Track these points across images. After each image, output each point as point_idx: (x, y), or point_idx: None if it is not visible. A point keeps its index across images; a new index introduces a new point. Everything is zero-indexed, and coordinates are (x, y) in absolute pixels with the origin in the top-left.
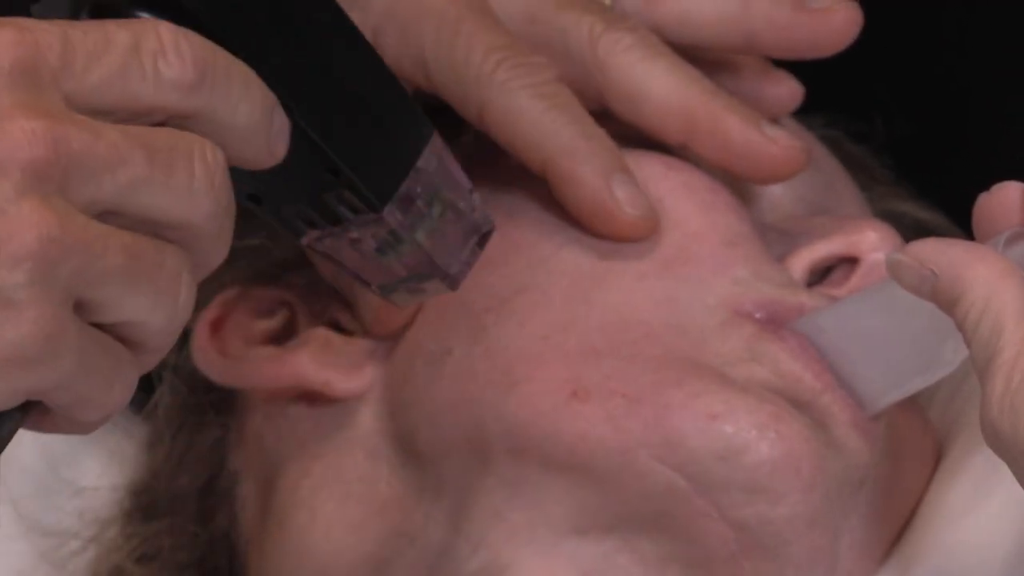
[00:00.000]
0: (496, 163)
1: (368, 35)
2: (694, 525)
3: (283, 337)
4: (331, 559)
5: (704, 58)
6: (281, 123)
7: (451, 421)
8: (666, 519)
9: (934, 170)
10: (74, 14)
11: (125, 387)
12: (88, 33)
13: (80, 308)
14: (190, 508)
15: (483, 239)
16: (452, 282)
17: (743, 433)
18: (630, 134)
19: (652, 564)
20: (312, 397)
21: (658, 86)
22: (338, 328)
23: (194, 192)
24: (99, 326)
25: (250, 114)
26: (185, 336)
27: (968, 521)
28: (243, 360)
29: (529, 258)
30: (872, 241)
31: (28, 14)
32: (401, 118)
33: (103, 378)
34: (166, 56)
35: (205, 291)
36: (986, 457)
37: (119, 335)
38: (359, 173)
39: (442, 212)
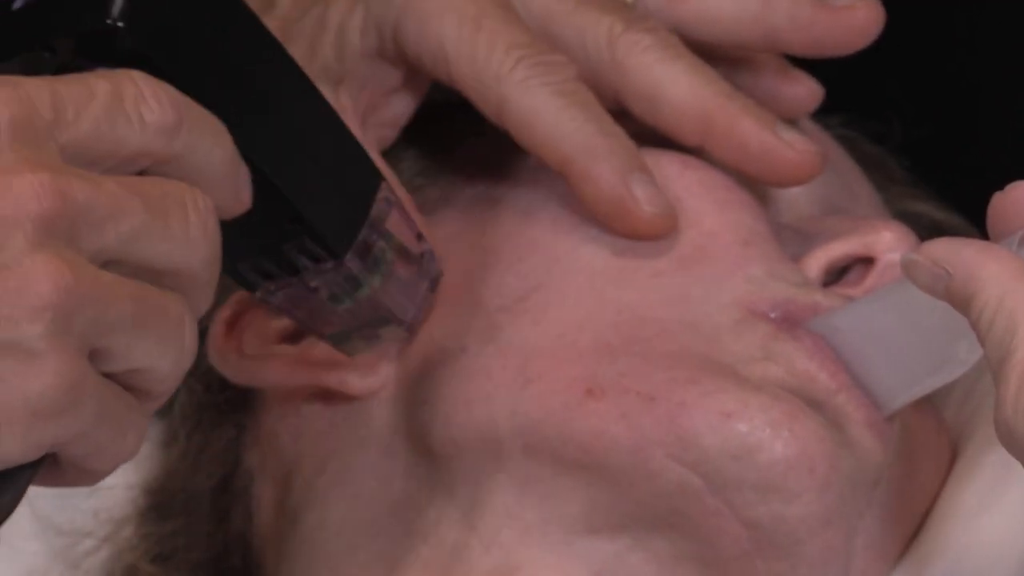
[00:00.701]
0: (514, 160)
1: (388, 30)
2: (707, 524)
3: (298, 336)
4: (344, 558)
5: (724, 56)
6: (244, 171)
7: (464, 419)
8: (679, 518)
9: (950, 170)
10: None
11: (137, 434)
12: (71, 84)
13: (92, 357)
14: (205, 507)
15: (434, 284)
16: (409, 328)
17: (757, 432)
18: (647, 133)
19: (665, 563)
20: (327, 395)
21: (675, 87)
22: None
23: (191, 239)
24: (107, 375)
25: (223, 159)
26: (201, 335)
27: (982, 520)
28: (258, 359)
29: (545, 256)
30: (888, 241)
31: None
32: (354, 166)
33: (118, 426)
34: (147, 101)
35: (221, 290)
36: (1000, 456)
37: (126, 383)
38: (321, 221)
39: (395, 258)
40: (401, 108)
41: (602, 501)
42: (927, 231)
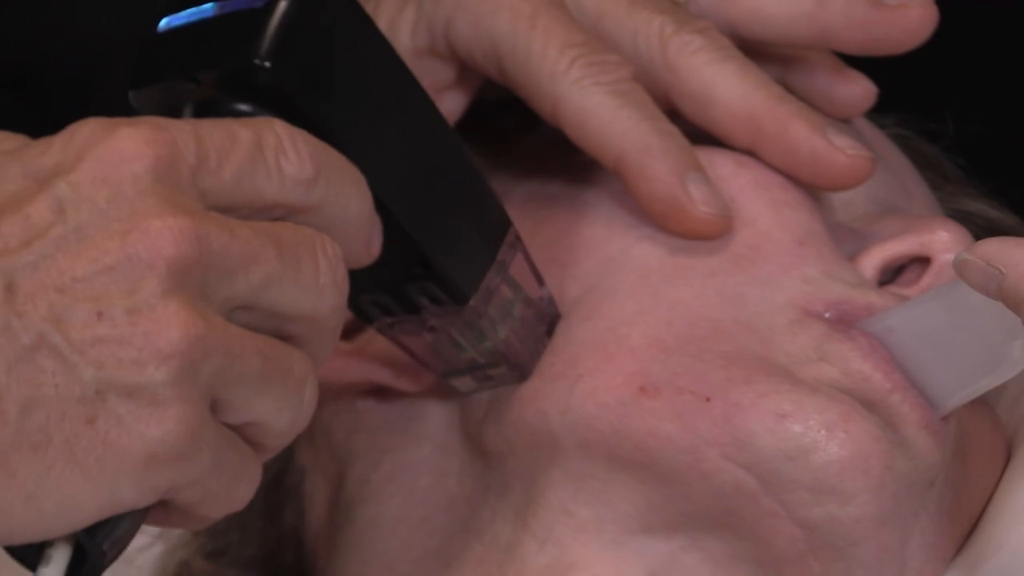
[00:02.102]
0: (567, 158)
1: (440, 27)
2: (762, 525)
3: (353, 331)
4: (398, 554)
5: (777, 55)
6: (378, 224)
7: (517, 415)
8: (734, 518)
9: (1004, 169)
10: (175, 108)
11: (251, 484)
12: (215, 131)
13: (212, 408)
14: (258, 503)
15: (551, 327)
16: (521, 372)
17: (812, 433)
18: (698, 133)
19: (721, 563)
20: (382, 392)
21: (726, 90)
22: None
23: (321, 286)
24: (226, 426)
25: (359, 212)
26: None
27: None
28: None
29: (599, 258)
30: (943, 241)
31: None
32: (484, 211)
33: (233, 475)
34: (286, 153)
35: None
36: None
37: (242, 435)
38: (449, 267)
39: (516, 301)
40: (453, 106)
41: (657, 500)
42: (981, 230)
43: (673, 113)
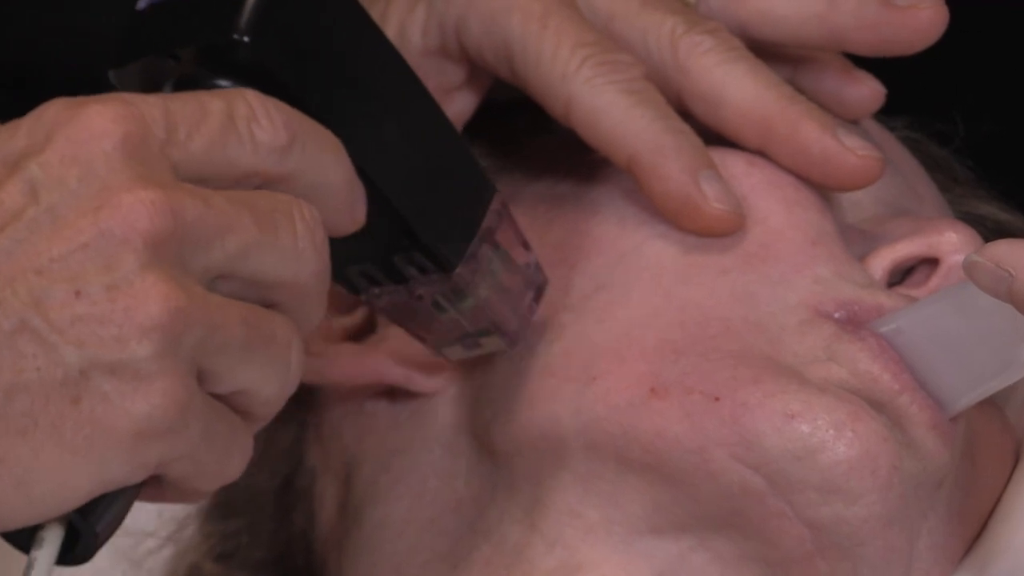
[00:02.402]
0: (578, 158)
1: (451, 27)
2: (770, 525)
3: (362, 333)
4: (407, 556)
5: (787, 56)
6: (360, 189)
7: (527, 416)
8: (742, 518)
9: (1014, 171)
10: (155, 85)
11: (243, 455)
12: (185, 104)
13: (198, 379)
14: (268, 506)
15: (539, 294)
16: (512, 339)
17: (820, 433)
18: (709, 134)
19: (729, 563)
20: (391, 393)
21: (736, 91)
22: None
23: (300, 251)
24: (213, 396)
25: (338, 177)
26: None
27: None
28: (322, 357)
29: (609, 255)
30: (952, 242)
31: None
32: (468, 178)
33: (224, 447)
34: (258, 121)
35: None
36: None
37: (230, 404)
38: (434, 236)
39: (503, 269)
40: (463, 106)
41: (665, 501)
42: (991, 232)
43: (683, 114)
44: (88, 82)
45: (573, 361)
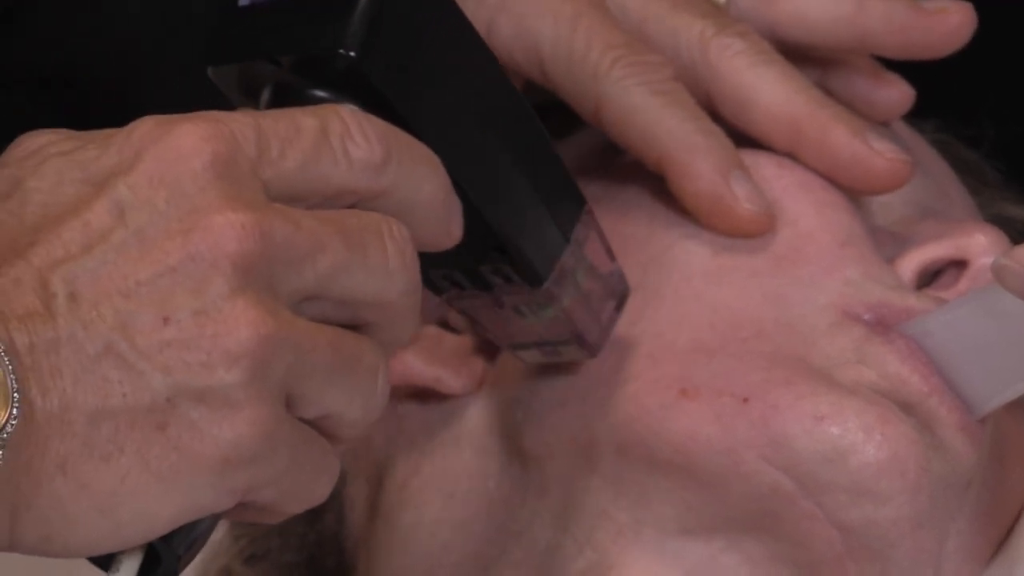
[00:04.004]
0: (608, 159)
1: (482, 28)
2: (800, 527)
3: None
4: (438, 558)
5: (815, 58)
6: (457, 206)
7: (558, 418)
8: (772, 520)
9: None
10: (253, 88)
11: (330, 477)
12: (278, 120)
13: (286, 403)
14: None
15: (621, 303)
16: (591, 350)
17: (850, 435)
18: (739, 135)
19: (759, 565)
20: (422, 395)
21: (766, 93)
22: (447, 326)
23: (390, 270)
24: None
25: (434, 195)
26: None
27: None
28: None
29: (640, 256)
30: (981, 245)
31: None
32: (561, 191)
33: (311, 471)
34: (353, 137)
35: None
36: None
37: (316, 427)
38: (525, 251)
39: (587, 279)
40: None
41: (695, 503)
42: (1020, 235)
43: (712, 116)
44: (120, 83)
45: (605, 363)
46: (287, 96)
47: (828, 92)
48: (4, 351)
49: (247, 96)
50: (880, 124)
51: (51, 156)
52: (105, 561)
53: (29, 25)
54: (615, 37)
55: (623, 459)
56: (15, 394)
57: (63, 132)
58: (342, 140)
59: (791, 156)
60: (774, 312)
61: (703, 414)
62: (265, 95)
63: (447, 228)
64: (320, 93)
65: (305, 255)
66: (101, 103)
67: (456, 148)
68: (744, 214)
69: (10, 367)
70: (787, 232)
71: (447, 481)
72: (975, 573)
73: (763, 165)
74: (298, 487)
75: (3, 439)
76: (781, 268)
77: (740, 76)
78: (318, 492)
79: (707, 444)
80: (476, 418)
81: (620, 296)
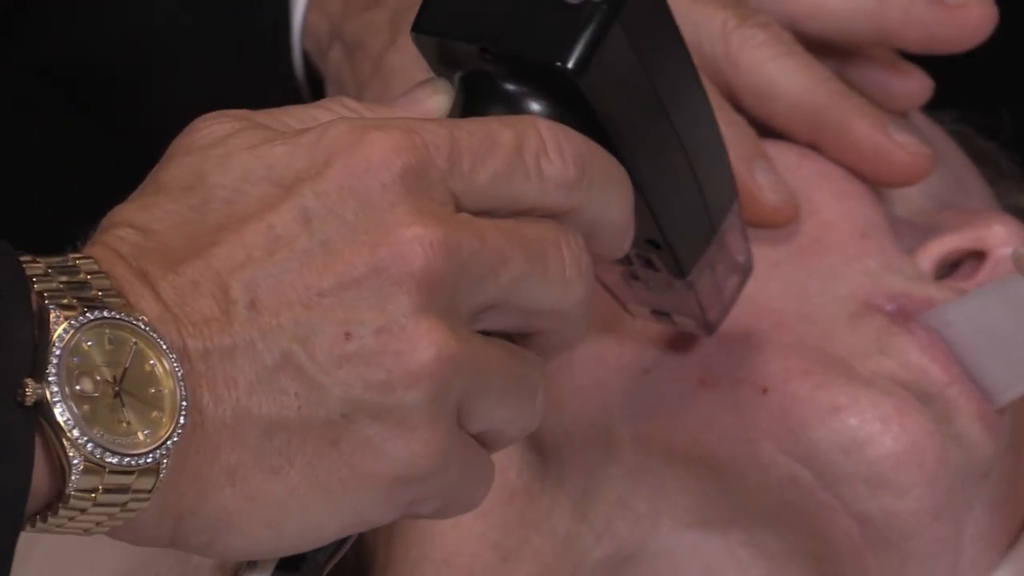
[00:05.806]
0: None
1: None
2: (818, 518)
3: None
4: (457, 546)
5: (834, 49)
6: (633, 221)
7: (578, 406)
8: (791, 511)
9: None
10: (449, 65)
11: (487, 487)
12: (473, 133)
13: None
14: None
15: (744, 279)
16: (709, 328)
17: (867, 426)
18: (761, 126)
19: (777, 557)
20: None
21: (787, 85)
22: None
23: (567, 280)
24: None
25: (619, 215)
26: None
27: None
28: None
29: None
30: (1000, 235)
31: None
32: (720, 185)
33: (474, 483)
34: (548, 155)
35: None
36: None
37: (477, 440)
38: (678, 250)
39: (722, 266)
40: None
41: (713, 494)
42: None
43: (735, 107)
44: (132, 70)
45: (626, 351)
46: (479, 85)
47: (847, 82)
48: (177, 359)
49: (442, 65)
50: (899, 115)
51: (237, 150)
52: None
53: (41, 12)
54: None
55: (641, 449)
56: (183, 402)
57: (245, 118)
58: (537, 157)
59: (813, 147)
60: (795, 303)
61: (721, 403)
62: (456, 78)
63: (621, 244)
64: (520, 89)
65: (489, 269)
66: (113, 90)
67: (646, 162)
68: (769, 204)
69: (181, 378)
70: (809, 222)
71: None
72: (993, 562)
73: (785, 155)
74: (462, 497)
75: (167, 448)
76: (802, 259)
77: (762, 67)
78: (477, 499)
79: (724, 434)
80: None
81: (744, 272)
